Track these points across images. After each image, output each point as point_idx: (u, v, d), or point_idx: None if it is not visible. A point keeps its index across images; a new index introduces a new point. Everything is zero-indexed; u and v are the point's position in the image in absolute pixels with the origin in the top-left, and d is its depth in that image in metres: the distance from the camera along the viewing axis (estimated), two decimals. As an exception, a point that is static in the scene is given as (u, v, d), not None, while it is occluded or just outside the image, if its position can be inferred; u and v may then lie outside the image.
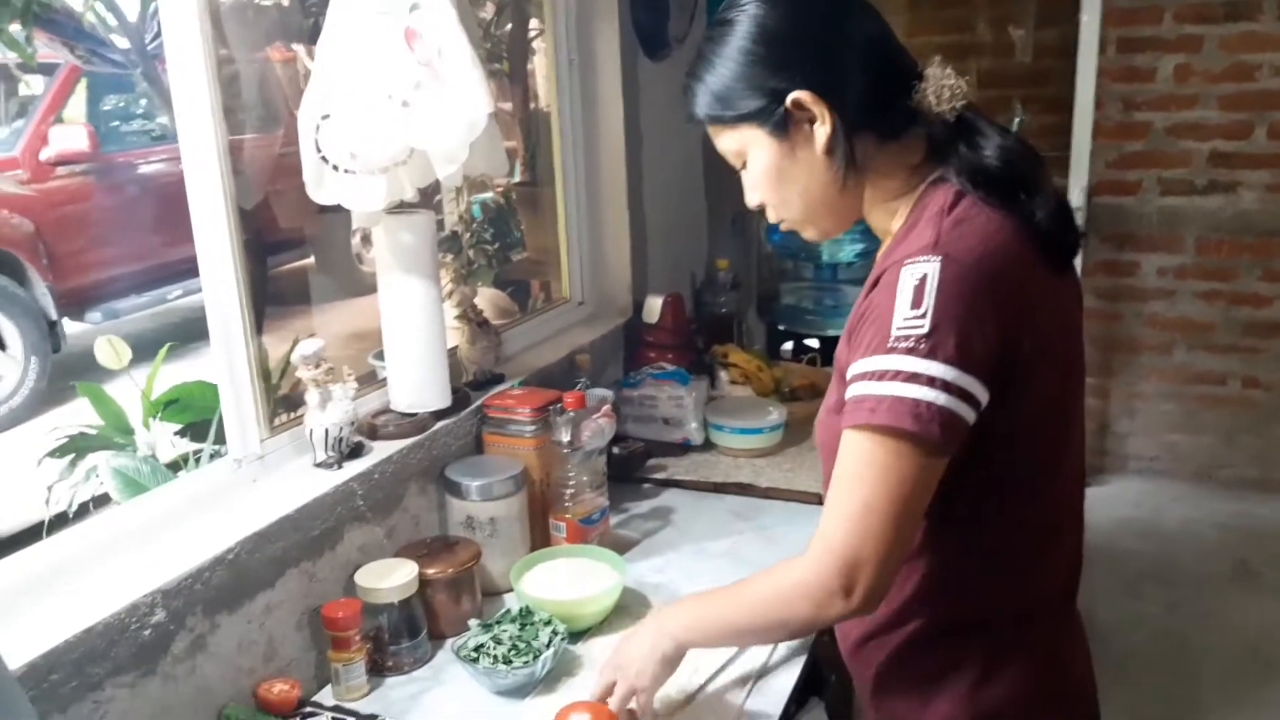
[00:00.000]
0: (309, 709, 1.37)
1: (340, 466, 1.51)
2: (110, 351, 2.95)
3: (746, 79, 1.06)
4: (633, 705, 1.23)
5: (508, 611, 1.49)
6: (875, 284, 1.03)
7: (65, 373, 4.54)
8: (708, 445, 2.14)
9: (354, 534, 1.52)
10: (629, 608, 1.57)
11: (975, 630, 1.11)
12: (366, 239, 1.91)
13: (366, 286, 1.77)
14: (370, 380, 1.76)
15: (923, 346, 0.94)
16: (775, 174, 1.10)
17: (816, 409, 1.20)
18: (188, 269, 1.46)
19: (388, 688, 1.42)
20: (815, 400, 2.10)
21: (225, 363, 1.46)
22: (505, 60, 3.17)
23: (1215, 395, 3.88)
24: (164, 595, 1.19)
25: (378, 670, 1.44)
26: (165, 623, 1.20)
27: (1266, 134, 3.57)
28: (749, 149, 1.11)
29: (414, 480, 1.64)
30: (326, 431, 1.50)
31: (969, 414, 0.96)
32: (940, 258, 0.96)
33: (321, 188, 1.47)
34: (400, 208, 1.60)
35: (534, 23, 2.96)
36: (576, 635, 1.50)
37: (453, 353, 1.82)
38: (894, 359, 0.96)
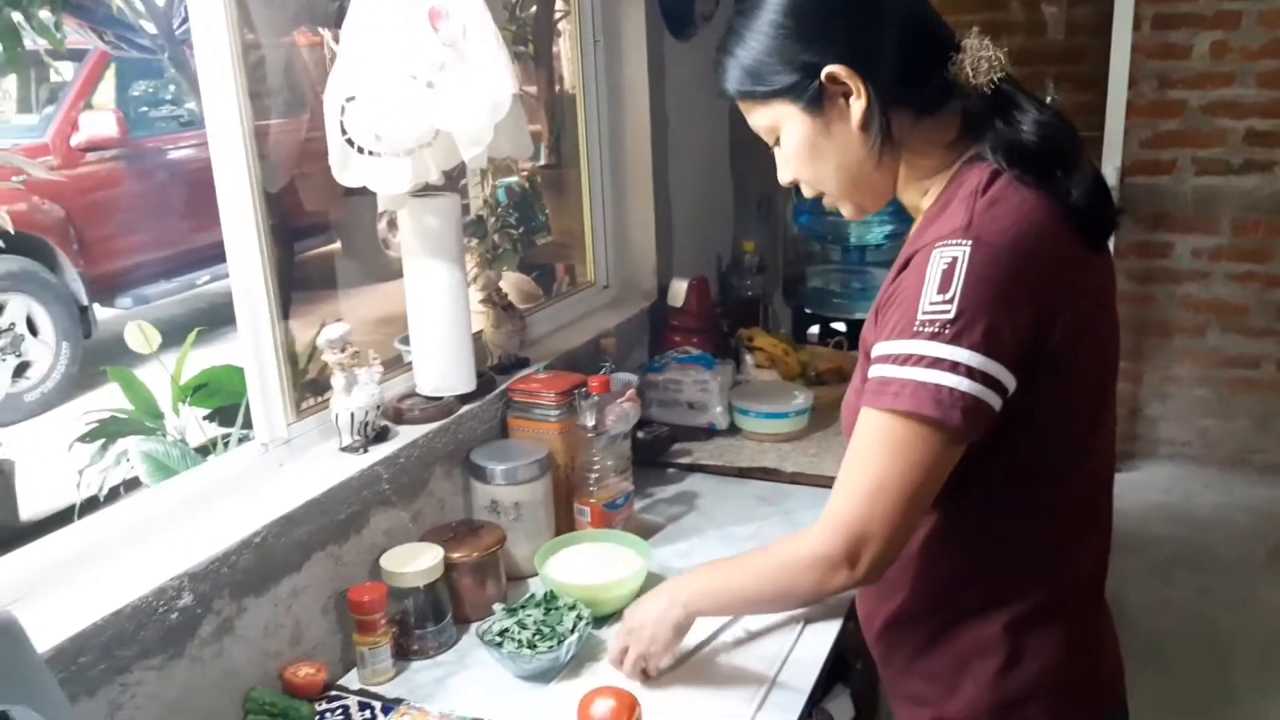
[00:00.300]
0: (335, 692, 1.37)
1: (366, 450, 1.51)
2: (140, 337, 2.97)
3: (779, 53, 1.04)
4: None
5: (532, 596, 1.49)
6: (905, 265, 1.01)
7: (96, 358, 4.58)
8: (733, 430, 2.13)
9: (379, 518, 1.52)
10: (654, 593, 1.56)
11: (1001, 617, 1.09)
12: (392, 224, 1.91)
13: (392, 272, 1.77)
14: (396, 364, 1.77)
15: (948, 332, 0.93)
16: (809, 150, 1.08)
17: (843, 393, 1.19)
18: (216, 254, 1.47)
19: (413, 671, 1.42)
20: (841, 384, 2.08)
21: (252, 347, 1.47)
22: (530, 43, 3.15)
23: (1249, 379, 3.82)
24: (191, 579, 1.20)
25: (403, 654, 1.44)
26: (192, 606, 1.20)
27: (1305, 112, 3.50)
28: (782, 125, 1.09)
29: (439, 464, 1.64)
30: (352, 416, 1.50)
31: (994, 400, 0.95)
32: (971, 241, 0.95)
33: (347, 170, 1.47)
34: (425, 191, 1.59)
35: (559, 4, 2.93)
36: (601, 620, 1.50)
37: (477, 337, 1.81)
38: (918, 343, 0.95)
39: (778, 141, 1.11)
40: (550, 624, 1.42)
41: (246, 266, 1.44)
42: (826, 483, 1.88)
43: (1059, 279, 0.98)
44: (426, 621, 1.45)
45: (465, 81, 1.43)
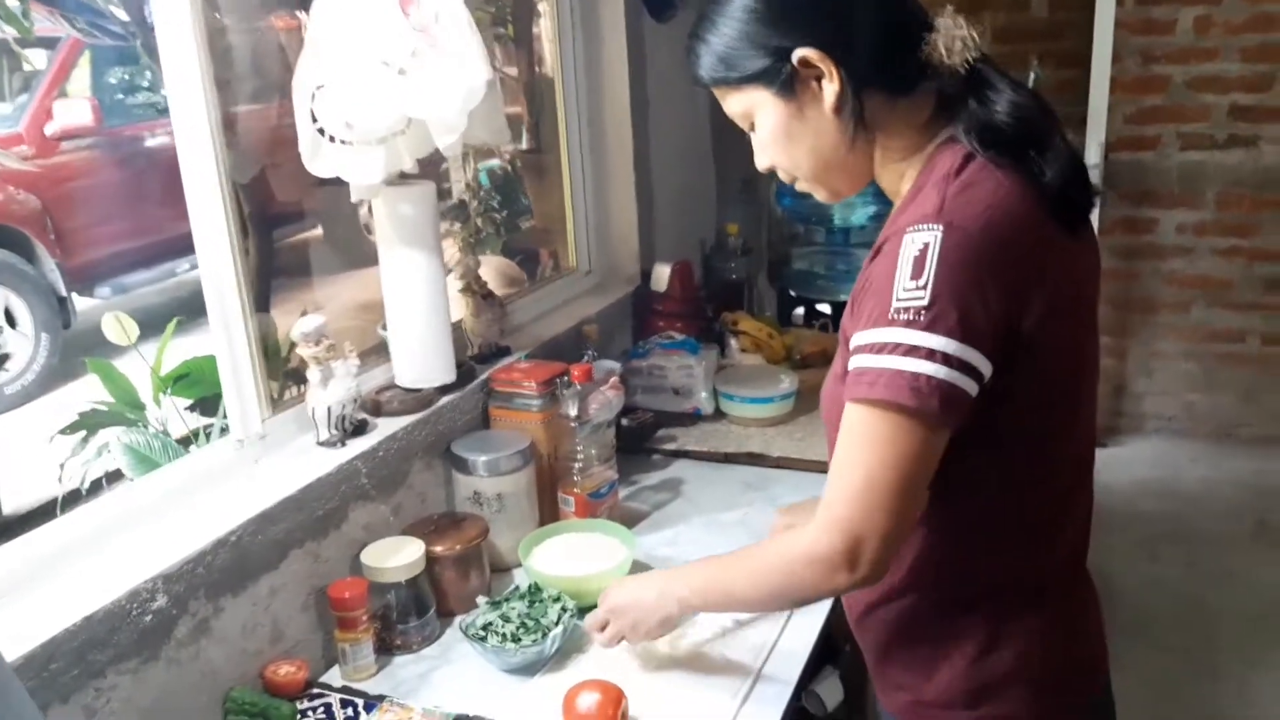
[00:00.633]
0: (316, 690, 1.36)
1: (344, 444, 1.49)
2: (117, 328, 2.93)
3: (750, 38, 1.03)
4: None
5: (516, 589, 1.48)
6: (878, 251, 1.00)
7: (77, 348, 4.53)
8: (718, 415, 2.12)
9: (359, 513, 1.50)
10: (639, 582, 1.55)
11: (979, 601, 1.09)
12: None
13: (375, 257, 1.74)
14: (380, 351, 1.73)
15: (922, 319, 0.92)
16: (784, 135, 1.07)
17: (827, 377, 1.18)
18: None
19: (396, 667, 1.41)
20: (827, 367, 2.07)
21: (224, 343, 1.44)
22: (510, 24, 3.11)
23: (1234, 353, 3.83)
24: (165, 580, 1.18)
25: (386, 649, 1.42)
26: (167, 608, 1.18)
27: (1289, 86, 3.49)
28: (756, 111, 1.07)
29: (419, 457, 1.62)
30: (329, 410, 1.48)
31: (971, 386, 0.94)
32: (943, 226, 0.93)
33: (318, 159, 1.44)
34: (401, 179, 1.56)
35: (538, -15, 2.89)
36: (586, 611, 1.48)
37: (457, 326, 1.79)
38: (894, 331, 0.93)
39: (753, 127, 1.10)
40: (535, 616, 1.41)
41: (216, 259, 1.41)
42: (812, 467, 1.89)
43: (1033, 262, 0.97)
44: (409, 616, 1.43)
45: (438, 68, 1.40)
